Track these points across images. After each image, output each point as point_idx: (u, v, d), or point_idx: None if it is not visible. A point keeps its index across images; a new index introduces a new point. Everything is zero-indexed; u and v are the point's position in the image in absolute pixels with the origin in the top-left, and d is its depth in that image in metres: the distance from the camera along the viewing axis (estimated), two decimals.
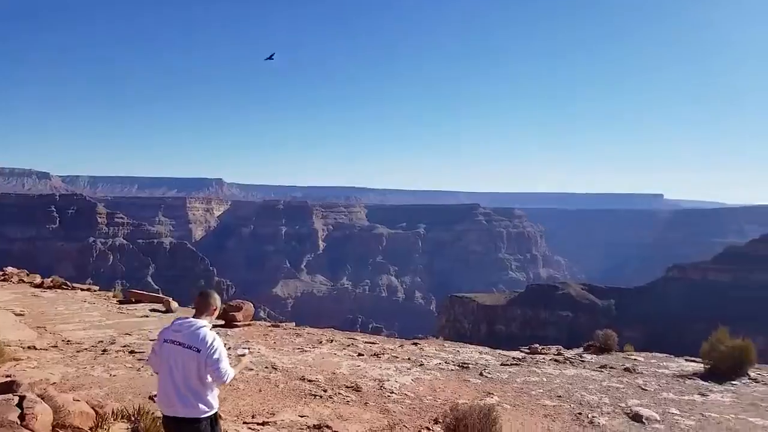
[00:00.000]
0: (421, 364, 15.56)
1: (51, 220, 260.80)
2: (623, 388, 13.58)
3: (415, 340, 20.74)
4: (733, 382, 14.24)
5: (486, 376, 14.47)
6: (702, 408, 11.99)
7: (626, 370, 15.55)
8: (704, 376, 14.90)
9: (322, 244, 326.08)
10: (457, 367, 15.47)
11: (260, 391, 12.27)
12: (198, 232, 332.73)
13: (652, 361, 17.18)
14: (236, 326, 19.81)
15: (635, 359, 17.30)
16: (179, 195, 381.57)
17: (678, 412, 11.59)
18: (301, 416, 10.57)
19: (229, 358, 5.90)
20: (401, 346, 18.87)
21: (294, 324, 23.03)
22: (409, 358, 16.28)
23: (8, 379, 9.30)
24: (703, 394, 13.08)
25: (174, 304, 23.81)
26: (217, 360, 5.53)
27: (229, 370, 5.64)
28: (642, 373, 15.28)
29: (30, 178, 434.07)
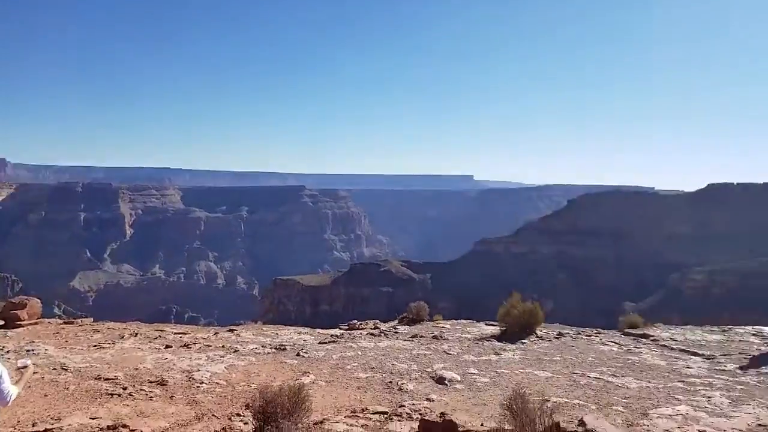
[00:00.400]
0: (235, 351, 15.01)
1: None
2: (430, 354, 14.44)
3: (232, 327, 20.03)
4: (524, 341, 15.96)
5: (303, 356, 14.41)
6: (496, 366, 13.20)
7: (434, 337, 16.60)
8: (500, 337, 16.51)
9: (129, 231, 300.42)
10: (274, 350, 15.21)
11: (46, 395, 10.82)
12: None
13: (457, 327, 18.59)
14: (20, 326, 17.34)
15: (443, 327, 18.57)
16: None
17: (476, 372, 12.62)
18: (93, 418, 9.50)
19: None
20: (216, 334, 18.08)
21: (92, 320, 20.90)
22: (223, 346, 15.62)
23: None
24: (498, 354, 14.44)
25: None
26: None
27: (11, 390, 5.15)
28: (447, 339, 16.42)
29: None
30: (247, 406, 10.17)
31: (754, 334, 16.43)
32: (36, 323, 17.86)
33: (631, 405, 9.94)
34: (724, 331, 17.22)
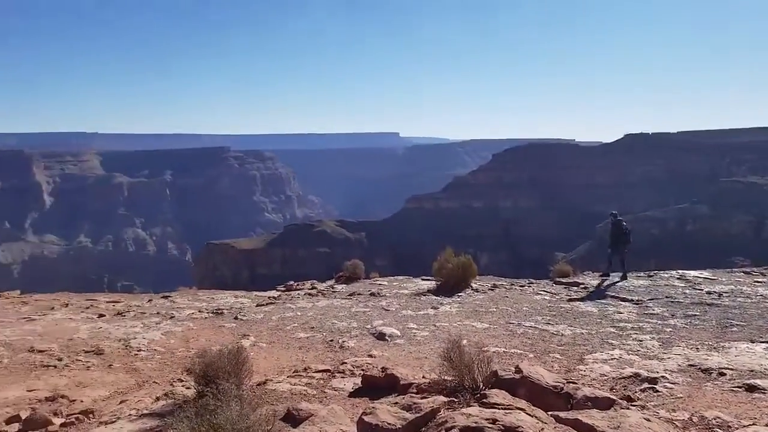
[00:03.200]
0: (172, 317, 14.84)
1: None
2: (369, 311, 14.76)
3: (166, 294, 19.70)
4: (459, 294, 16.52)
5: (241, 319, 14.43)
6: (434, 320, 13.68)
7: (372, 295, 16.95)
8: (436, 291, 17.03)
9: (48, 199, 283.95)
10: (212, 315, 15.14)
11: None
12: None
13: (395, 284, 19.02)
14: None
15: (380, 284, 18.96)
16: None
17: (415, 326, 13.04)
18: (31, 390, 9.28)
19: None
20: (150, 301, 17.78)
21: (19, 292, 20.03)
22: (158, 313, 15.40)
23: None
24: (435, 308, 14.93)
25: None
26: None
27: None
28: (385, 296, 16.81)
29: None
30: (188, 371, 10.14)
31: (678, 278, 17.35)
32: None
33: (567, 352, 10.40)
34: (650, 276, 17.97)
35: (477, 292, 16.80)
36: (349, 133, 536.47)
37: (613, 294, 15.69)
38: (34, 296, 18.97)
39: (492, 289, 17.05)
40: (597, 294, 15.92)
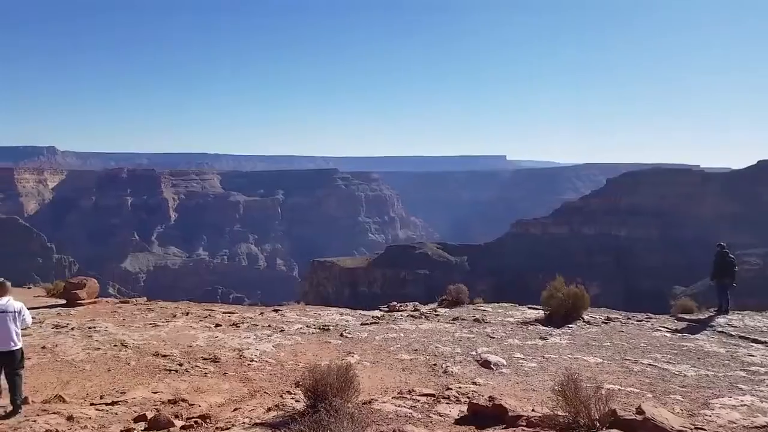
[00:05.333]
0: (282, 330, 15.40)
1: None
2: (473, 337, 14.48)
3: (276, 307, 20.48)
4: (570, 326, 15.78)
5: (346, 337, 14.68)
6: (543, 351, 13.15)
7: (476, 320, 16.62)
8: (545, 321, 16.38)
9: (173, 214, 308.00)
10: (318, 330, 15.53)
11: (109, 370, 11.42)
12: (31, 206, 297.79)
13: (499, 311, 18.55)
14: (80, 304, 18.17)
15: (484, 310, 18.57)
16: (6, 166, 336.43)
17: (522, 356, 12.60)
18: (155, 392, 9.99)
19: None
20: (261, 313, 18.54)
21: (146, 299, 21.72)
22: (269, 325, 16.03)
23: None
24: (543, 338, 14.35)
25: (7, 284, 21.27)
26: (24, 316, 9.42)
27: (28, 319, 9.61)
28: (490, 322, 16.43)
29: None
30: (297, 384, 10.47)
31: None
32: (95, 302, 18.66)
33: (689, 394, 9.60)
34: None
35: (589, 324, 15.98)
36: (455, 156, 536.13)
37: (743, 334, 14.33)
38: (158, 303, 20.44)
39: (606, 323, 16.15)
40: (723, 332, 14.61)
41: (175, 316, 17.25)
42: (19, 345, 9.21)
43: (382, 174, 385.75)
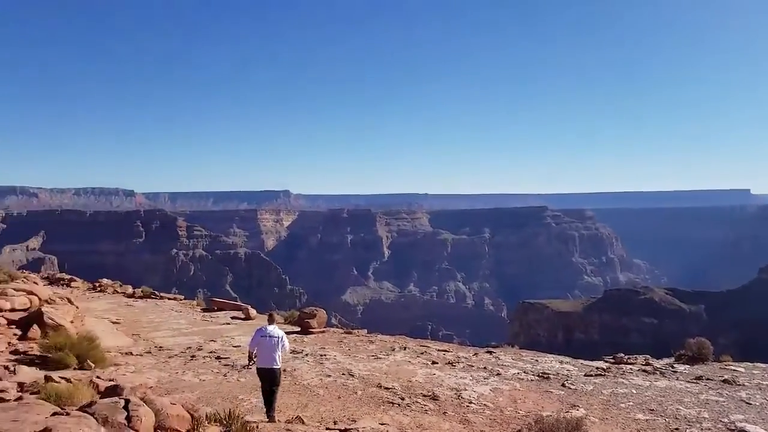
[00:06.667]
0: (498, 374, 15.01)
1: (137, 234, 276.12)
2: (724, 401, 12.50)
3: (490, 348, 20.13)
4: None
5: (569, 387, 13.74)
6: None
7: (725, 381, 14.36)
8: None
9: (387, 251, 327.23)
10: (537, 377, 14.81)
11: (339, 397, 12.23)
12: (270, 242, 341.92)
13: (755, 372, 15.82)
14: (311, 332, 19.94)
15: (734, 370, 16.00)
16: (251, 207, 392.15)
17: None
18: (382, 424, 10.36)
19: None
20: (475, 354, 18.36)
21: (366, 331, 23.01)
22: (485, 367, 15.76)
23: (112, 383, 10.02)
24: None
25: (252, 312, 24.64)
26: (284, 342, 10.90)
27: (288, 347, 11.18)
28: (744, 385, 14.06)
29: (117, 196, 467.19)
30: None
31: None
32: (323, 331, 20.36)
33: None
34: None
35: None
36: (682, 190, 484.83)
37: None
38: (378, 336, 21.51)
39: None
40: None
41: (393, 349, 17.93)
42: (279, 365, 10.63)
43: (597, 212, 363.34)
